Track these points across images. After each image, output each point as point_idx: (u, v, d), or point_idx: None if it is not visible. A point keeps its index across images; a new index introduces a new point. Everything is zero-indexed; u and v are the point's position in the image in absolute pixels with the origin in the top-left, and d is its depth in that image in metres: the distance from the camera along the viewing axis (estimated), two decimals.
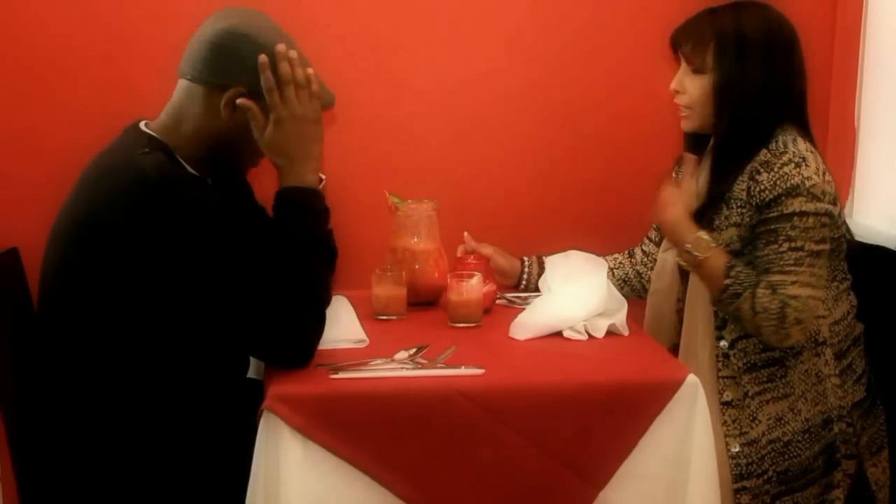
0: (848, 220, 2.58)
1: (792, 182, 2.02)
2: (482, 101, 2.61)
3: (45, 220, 1.94)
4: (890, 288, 2.17)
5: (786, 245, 2.02)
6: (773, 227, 2.04)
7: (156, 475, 1.85)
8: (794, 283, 2.01)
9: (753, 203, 2.07)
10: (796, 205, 2.02)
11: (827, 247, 2.05)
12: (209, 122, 1.92)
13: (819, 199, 2.02)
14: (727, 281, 2.03)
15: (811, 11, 2.61)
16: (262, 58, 1.87)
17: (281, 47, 1.88)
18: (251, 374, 2.09)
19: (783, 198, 2.02)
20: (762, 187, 2.05)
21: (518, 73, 2.61)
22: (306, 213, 1.90)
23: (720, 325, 2.12)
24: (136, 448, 1.85)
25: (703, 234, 2.07)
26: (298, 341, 1.85)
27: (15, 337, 1.96)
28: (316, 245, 1.91)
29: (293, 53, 1.89)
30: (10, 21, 2.44)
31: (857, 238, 2.35)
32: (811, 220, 2.02)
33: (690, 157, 2.21)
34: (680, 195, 2.14)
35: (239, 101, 1.89)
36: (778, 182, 2.03)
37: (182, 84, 1.95)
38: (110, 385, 1.84)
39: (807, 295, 2.01)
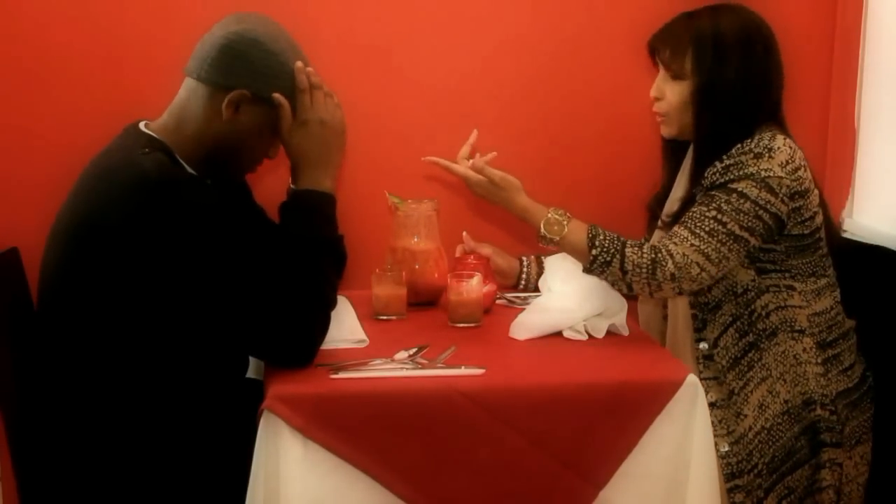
0: (848, 220, 2.60)
1: (745, 171, 2.02)
2: (482, 101, 2.61)
3: (45, 220, 1.94)
4: (890, 288, 2.17)
5: (713, 212, 2.01)
6: (713, 193, 2.04)
7: (156, 475, 1.85)
8: (691, 245, 2.00)
9: (705, 185, 2.07)
10: (742, 185, 2.02)
11: (752, 239, 2.03)
12: (210, 122, 1.92)
13: (770, 191, 2.01)
14: (594, 252, 2.01)
15: (811, 12, 2.61)
16: (299, 63, 1.92)
17: (309, 69, 1.94)
18: (251, 374, 2.09)
19: (733, 180, 2.03)
20: (715, 170, 2.05)
21: (518, 73, 2.61)
22: (318, 215, 1.93)
23: (699, 328, 2.12)
24: (136, 448, 1.85)
25: (552, 213, 2.05)
26: (301, 341, 1.86)
27: (15, 337, 1.96)
28: (325, 247, 1.92)
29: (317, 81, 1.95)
30: (10, 21, 2.44)
31: (857, 238, 2.35)
32: (748, 205, 2.01)
33: None
34: (513, 180, 2.11)
35: (275, 94, 1.91)
36: (731, 168, 2.03)
37: (188, 83, 1.96)
38: (110, 385, 1.84)
39: (694, 260, 2.00)
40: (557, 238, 2.04)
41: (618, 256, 2.00)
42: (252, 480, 1.78)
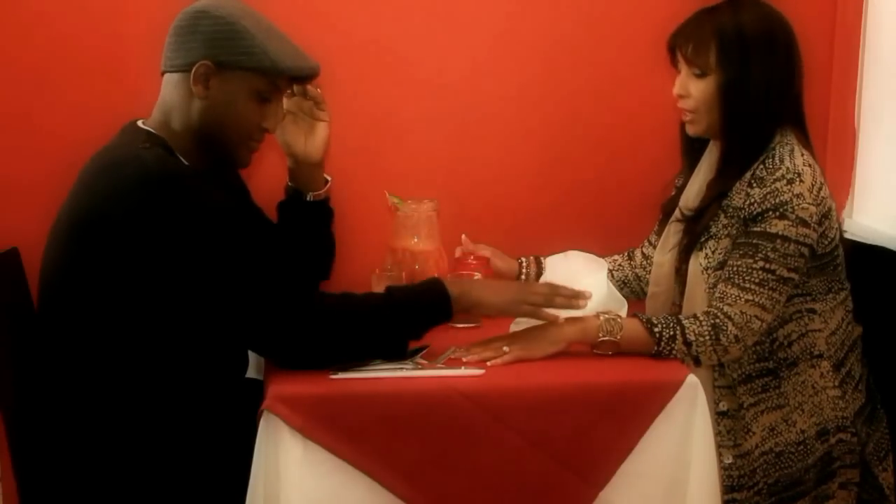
0: (848, 220, 2.60)
1: (781, 198, 2.00)
2: (482, 101, 2.61)
3: (45, 220, 1.94)
4: (890, 289, 2.17)
5: (761, 263, 1.99)
6: (754, 241, 2.01)
7: (156, 475, 1.85)
8: (746, 301, 1.99)
9: (742, 216, 2.05)
10: (781, 227, 2.00)
11: (796, 276, 2.03)
12: (189, 108, 1.92)
13: (805, 224, 2.00)
14: (657, 329, 1.96)
15: (811, 11, 2.60)
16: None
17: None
18: (251, 374, 2.10)
19: (770, 213, 2.00)
20: (752, 201, 2.03)
21: (518, 72, 2.61)
22: (422, 320, 1.92)
23: None
24: (136, 448, 1.85)
25: (602, 317, 1.96)
26: (302, 340, 1.85)
27: (15, 337, 1.96)
28: (392, 344, 1.90)
29: None
30: (10, 20, 2.44)
31: (857, 238, 2.35)
32: (792, 247, 2.00)
33: None
34: (544, 324, 1.99)
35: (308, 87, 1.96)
36: (767, 197, 2.01)
37: (164, 79, 1.97)
38: (110, 385, 1.84)
39: (753, 315, 1.99)
40: (620, 336, 1.95)
41: (678, 328, 1.97)
42: (252, 480, 1.78)
